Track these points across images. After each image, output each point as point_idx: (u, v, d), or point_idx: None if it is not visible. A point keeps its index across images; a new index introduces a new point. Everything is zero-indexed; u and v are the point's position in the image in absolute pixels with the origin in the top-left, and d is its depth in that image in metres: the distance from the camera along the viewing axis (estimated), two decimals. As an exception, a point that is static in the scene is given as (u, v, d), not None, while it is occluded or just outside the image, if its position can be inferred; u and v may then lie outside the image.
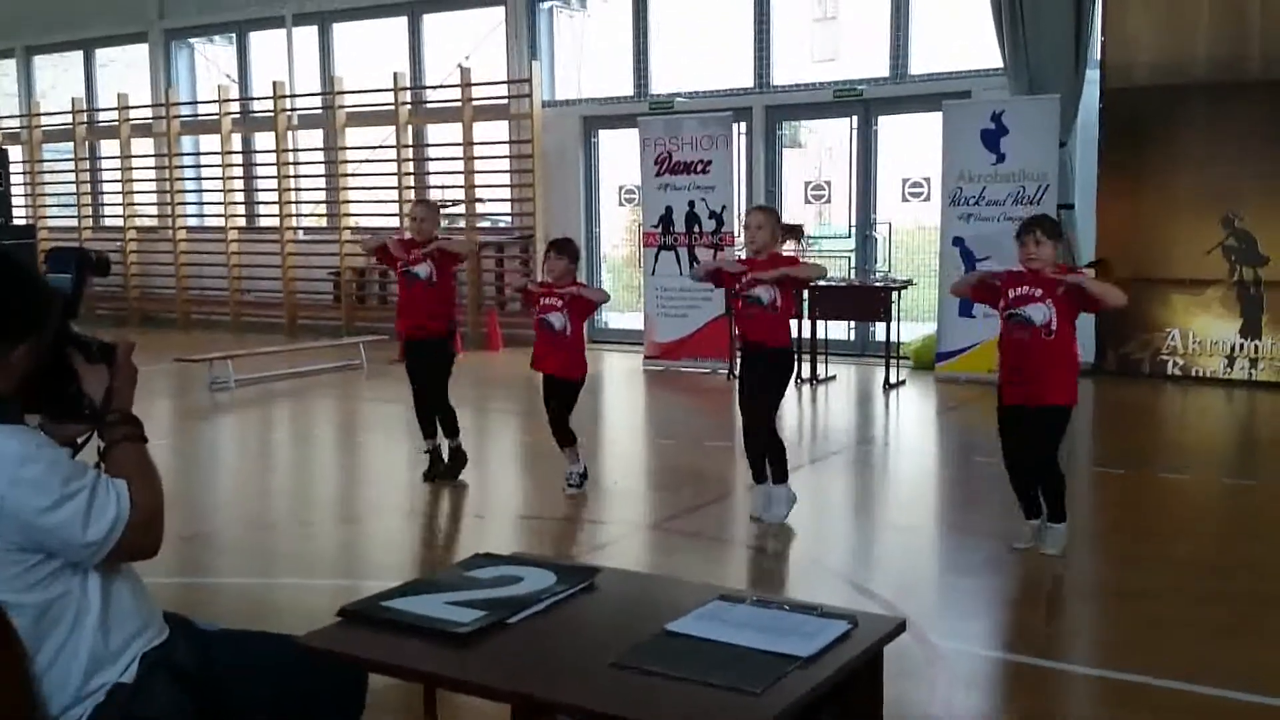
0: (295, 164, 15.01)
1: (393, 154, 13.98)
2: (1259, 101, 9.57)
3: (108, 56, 17.08)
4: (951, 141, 10.23)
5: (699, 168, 11.22)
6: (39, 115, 17.06)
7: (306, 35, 14.99)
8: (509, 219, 13.91)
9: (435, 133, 14.44)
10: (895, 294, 10.08)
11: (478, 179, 13.58)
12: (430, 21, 14.26)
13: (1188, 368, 9.99)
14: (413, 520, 6.24)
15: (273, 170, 14.94)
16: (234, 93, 15.52)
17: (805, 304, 10.21)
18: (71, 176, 16.96)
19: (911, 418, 9.41)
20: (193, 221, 16.35)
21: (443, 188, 13.86)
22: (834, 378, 10.52)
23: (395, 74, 13.83)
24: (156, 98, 16.01)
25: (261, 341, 13.15)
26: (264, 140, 15.33)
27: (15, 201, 16.52)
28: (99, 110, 16.83)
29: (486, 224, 13.98)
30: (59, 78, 17.61)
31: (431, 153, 14.47)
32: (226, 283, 15.32)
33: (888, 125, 11.65)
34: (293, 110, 14.86)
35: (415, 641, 2.42)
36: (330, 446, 8.57)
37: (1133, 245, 9.97)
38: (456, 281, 7.13)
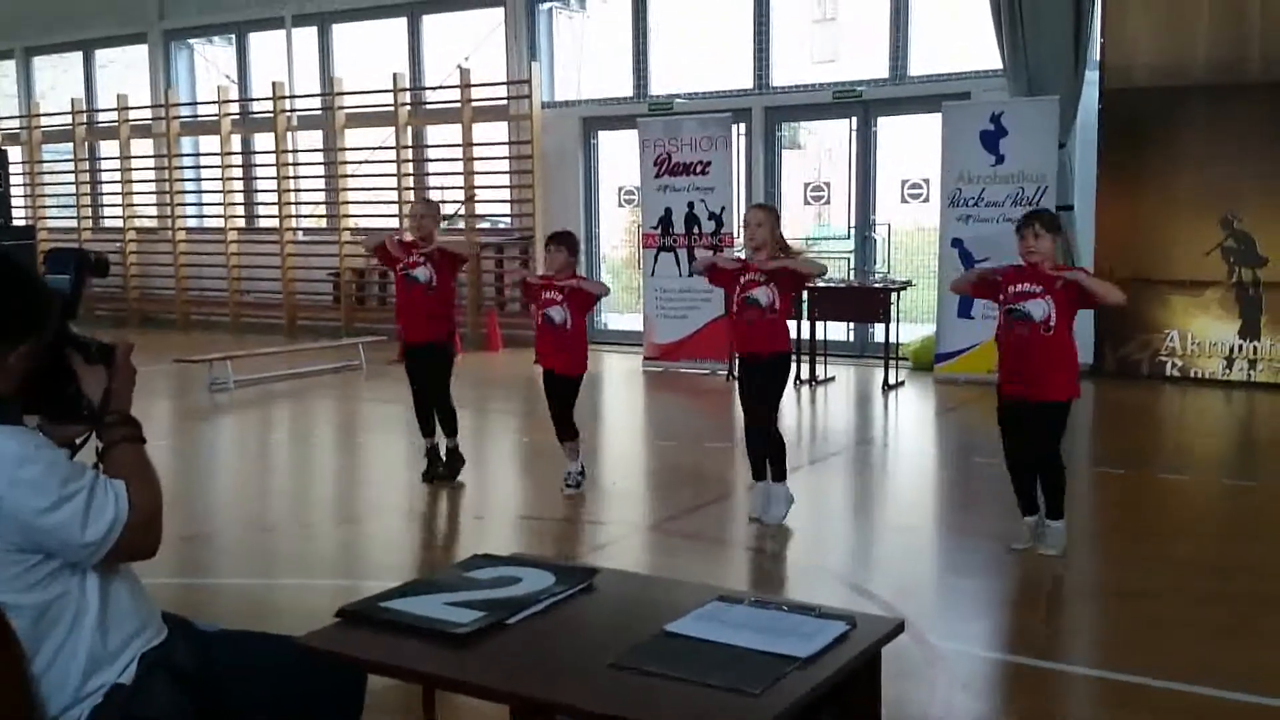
0: (295, 165, 15.02)
1: (392, 155, 13.98)
2: (1258, 103, 9.57)
3: (107, 57, 17.08)
4: (951, 143, 10.23)
5: (698, 169, 11.22)
6: (39, 116, 17.06)
7: (306, 36, 14.99)
8: (508, 220, 13.91)
9: (435, 134, 14.44)
10: (894, 295, 10.08)
11: (477, 180, 13.58)
12: (430, 22, 14.26)
13: (1187, 369, 9.99)
14: (412, 521, 6.24)
15: (272, 171, 14.95)
16: (233, 94, 15.52)
17: (804, 305, 10.22)
18: (71, 177, 16.97)
19: (910, 419, 9.41)
20: (192, 222, 16.36)
21: (442, 189, 13.85)
22: (833, 379, 10.52)
23: (395, 75, 13.83)
24: (156, 98, 16.02)
25: (261, 342, 13.15)
26: (263, 141, 15.33)
27: (15, 202, 16.54)
28: (98, 111, 16.84)
29: (486, 225, 13.98)
30: (59, 78, 17.61)
31: (431, 154, 14.47)
32: (226, 284, 15.32)
33: (887, 126, 11.66)
34: (292, 111, 14.87)
35: (414, 642, 2.43)
36: (329, 447, 8.57)
37: (1132, 246, 9.98)
38: (456, 284, 7.10)
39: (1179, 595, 4.79)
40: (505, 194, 13.76)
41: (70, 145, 16.73)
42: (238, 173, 15.68)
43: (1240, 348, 9.80)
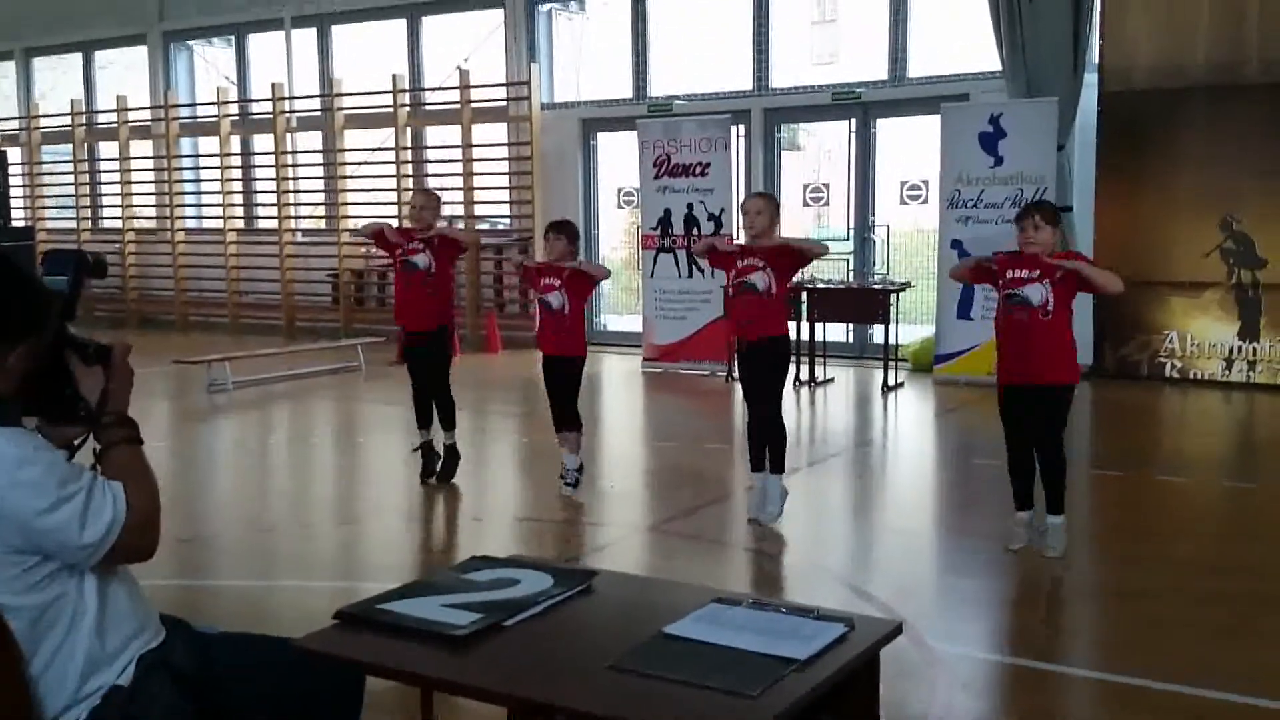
0: (294, 166, 15.02)
1: (391, 156, 13.98)
2: (1257, 104, 9.57)
3: (107, 58, 17.08)
4: (950, 144, 10.23)
5: (698, 170, 11.22)
6: (38, 117, 17.06)
7: (305, 37, 14.99)
8: (508, 221, 13.91)
9: (434, 135, 14.45)
10: (893, 296, 10.09)
11: (476, 181, 13.59)
12: (429, 24, 14.27)
13: (1186, 370, 9.99)
14: (410, 522, 6.24)
15: (271, 172, 14.95)
16: (233, 95, 15.52)
17: (804, 306, 10.22)
18: (70, 178, 16.97)
19: (910, 420, 9.41)
20: (191, 223, 16.36)
21: (441, 189, 13.85)
22: (832, 380, 10.52)
23: (394, 76, 13.84)
24: (155, 100, 16.02)
25: (260, 343, 13.15)
26: (263, 142, 15.33)
27: (14, 203, 16.54)
28: (98, 112, 16.84)
29: (485, 226, 13.98)
30: (58, 79, 17.61)
31: (430, 155, 14.48)
32: (225, 285, 15.32)
33: (886, 128, 11.66)
34: (291, 112, 14.87)
35: (412, 644, 2.42)
36: (328, 448, 8.56)
37: (1131, 248, 9.97)
38: (455, 272, 7.05)
39: (1179, 596, 4.79)
40: (504, 195, 13.76)
41: (69, 146, 16.73)
42: (237, 174, 15.69)
43: (1239, 349, 9.80)
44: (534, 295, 6.32)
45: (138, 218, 16.50)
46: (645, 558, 5.58)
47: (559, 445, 6.45)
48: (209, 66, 16.30)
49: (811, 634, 2.38)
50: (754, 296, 5.63)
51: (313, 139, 15.03)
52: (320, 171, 14.97)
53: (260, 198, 15.73)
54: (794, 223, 11.89)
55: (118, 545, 2.10)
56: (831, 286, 10.58)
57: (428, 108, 14.28)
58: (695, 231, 11.24)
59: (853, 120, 11.65)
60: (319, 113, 14.68)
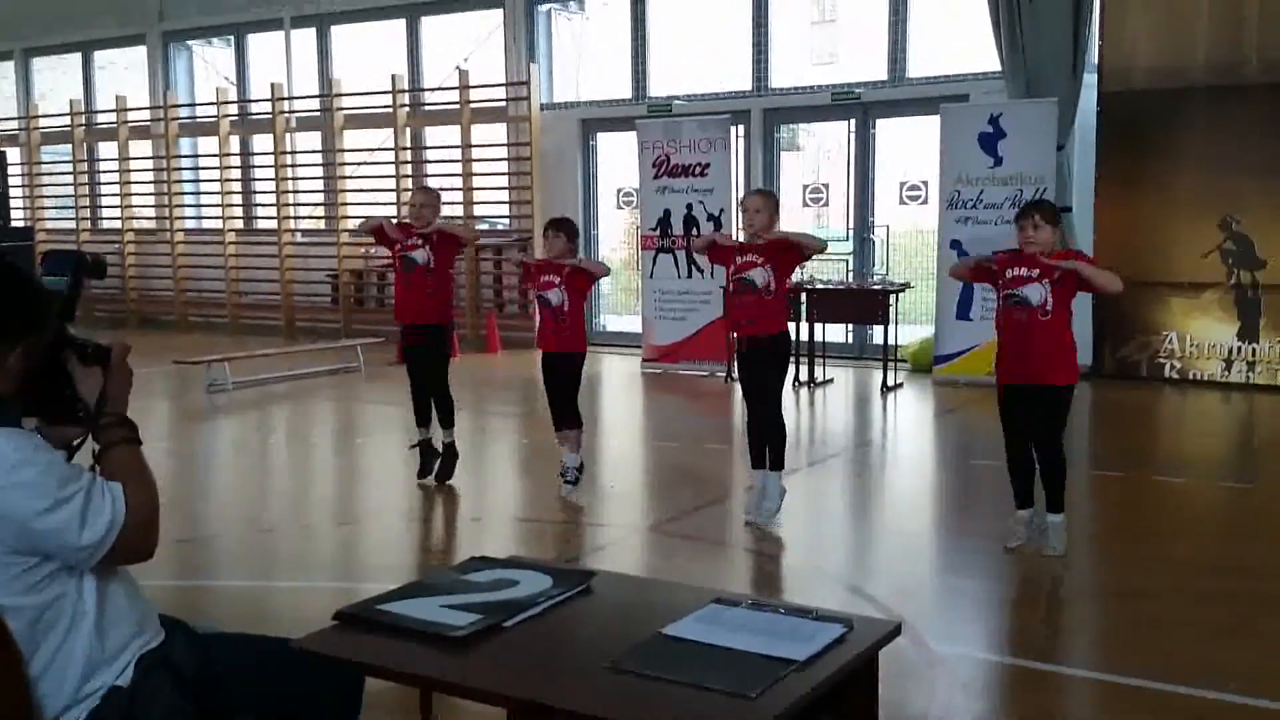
0: (293, 166, 15.01)
1: (391, 156, 13.98)
2: (1257, 104, 9.58)
3: (106, 58, 17.08)
4: (949, 144, 10.23)
5: (697, 170, 11.22)
6: (37, 117, 17.06)
7: (305, 37, 14.99)
8: (507, 221, 13.91)
9: (433, 135, 14.45)
10: (893, 297, 10.09)
11: (476, 181, 13.59)
12: (428, 24, 14.27)
13: (1185, 371, 9.99)
14: (410, 523, 6.24)
15: (271, 172, 14.95)
16: (232, 95, 15.52)
17: (803, 306, 10.22)
18: (70, 178, 16.96)
19: (909, 420, 9.41)
20: (191, 224, 16.35)
21: (440, 190, 13.84)
22: (832, 380, 10.52)
23: (393, 76, 13.83)
24: (155, 100, 16.02)
25: (259, 344, 13.14)
26: (262, 142, 15.33)
27: (13, 203, 16.54)
28: (97, 112, 16.84)
29: (485, 226, 13.98)
30: (57, 80, 17.61)
31: (429, 155, 14.48)
32: (224, 285, 15.33)
33: (886, 128, 11.66)
34: (291, 112, 14.87)
35: (411, 645, 2.42)
36: (328, 449, 8.56)
37: (1131, 248, 9.98)
38: (455, 271, 7.05)
39: (1178, 596, 4.79)
40: (504, 195, 13.76)
41: (69, 146, 16.73)
42: (236, 174, 15.69)
43: (1239, 349, 9.80)
44: (533, 293, 6.32)
45: (137, 218, 16.50)
46: (644, 558, 5.58)
47: (559, 444, 6.45)
48: (208, 67, 16.31)
49: (810, 634, 2.39)
50: (753, 295, 5.63)
51: (312, 139, 15.03)
52: (320, 172, 14.96)
53: (260, 198, 15.73)
54: (793, 223, 11.88)
55: (117, 546, 2.10)
56: (831, 287, 10.58)
57: (427, 108, 14.28)
58: (695, 232, 11.23)
59: (852, 120, 11.65)
60: (318, 113, 14.68)
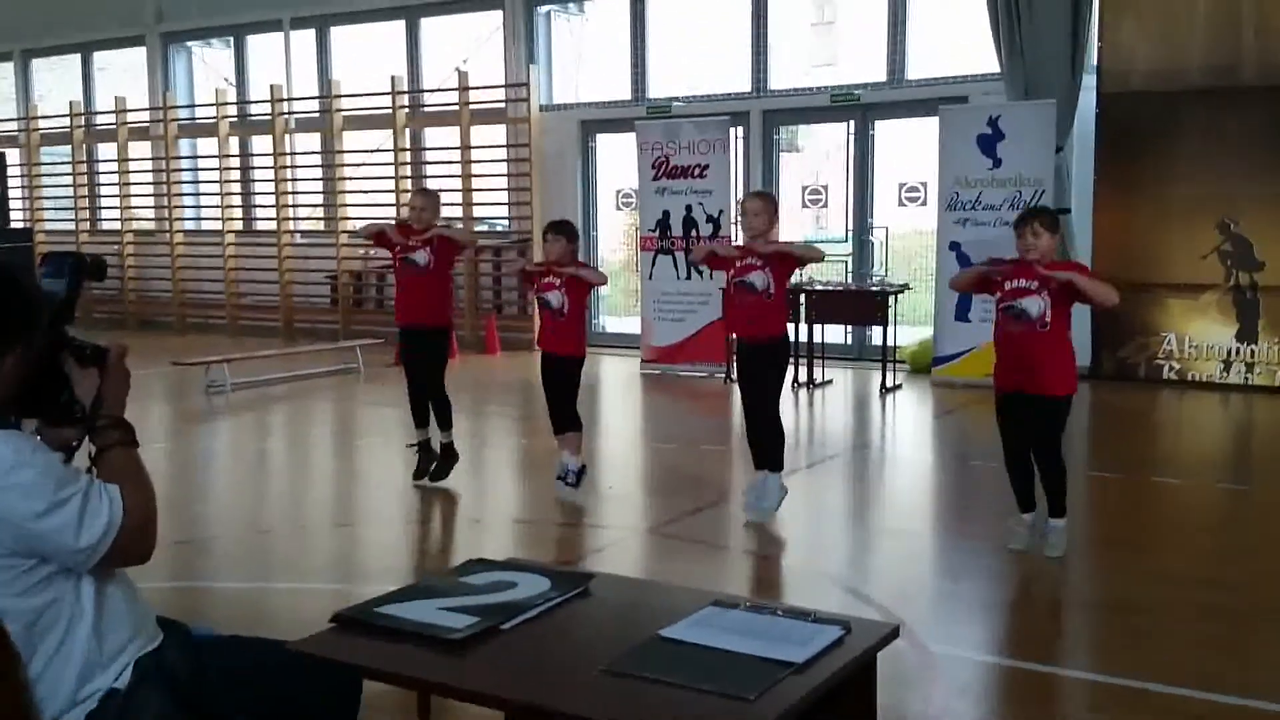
0: (292, 167, 15.01)
1: (390, 158, 13.98)
2: (1255, 106, 9.59)
3: (105, 60, 17.07)
4: (948, 146, 10.23)
5: (696, 172, 11.22)
6: (37, 118, 17.06)
7: (304, 39, 14.99)
8: (506, 223, 13.91)
9: (432, 136, 14.45)
10: (892, 298, 10.09)
11: (475, 183, 13.59)
12: (428, 25, 14.27)
13: (1184, 372, 9.99)
14: (408, 524, 6.24)
15: (270, 174, 14.95)
16: (231, 96, 15.52)
17: (802, 307, 10.22)
18: (69, 180, 16.96)
19: (908, 422, 9.42)
20: (190, 225, 16.35)
21: (440, 191, 13.84)
22: (830, 382, 10.52)
23: (393, 78, 13.84)
24: (154, 101, 16.01)
25: (258, 345, 13.14)
26: (261, 144, 15.33)
27: (13, 204, 16.54)
28: (97, 113, 16.84)
29: (484, 227, 13.98)
30: (57, 81, 17.61)
31: (429, 156, 14.47)
32: (223, 286, 15.32)
33: (884, 130, 11.66)
34: (290, 114, 14.87)
35: (409, 647, 2.42)
36: (326, 450, 8.56)
37: (1129, 250, 9.99)
38: (453, 273, 7.10)
39: (1177, 599, 4.79)
40: (503, 197, 13.76)
41: (68, 148, 16.72)
42: (235, 175, 15.69)
43: (1237, 351, 9.81)
44: (532, 295, 6.36)
45: (136, 219, 16.50)
46: (643, 560, 5.58)
47: (559, 448, 6.45)
48: (208, 68, 16.30)
49: (808, 637, 2.39)
50: (753, 296, 5.65)
51: (311, 140, 15.03)
52: (319, 173, 14.96)
53: (259, 199, 15.73)
54: (793, 224, 11.90)
55: (114, 548, 2.10)
56: (830, 288, 10.59)
57: (426, 109, 14.28)
58: (694, 233, 11.24)
59: (851, 122, 11.65)
60: (318, 114, 14.68)
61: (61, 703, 2.12)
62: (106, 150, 16.76)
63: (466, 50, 13.71)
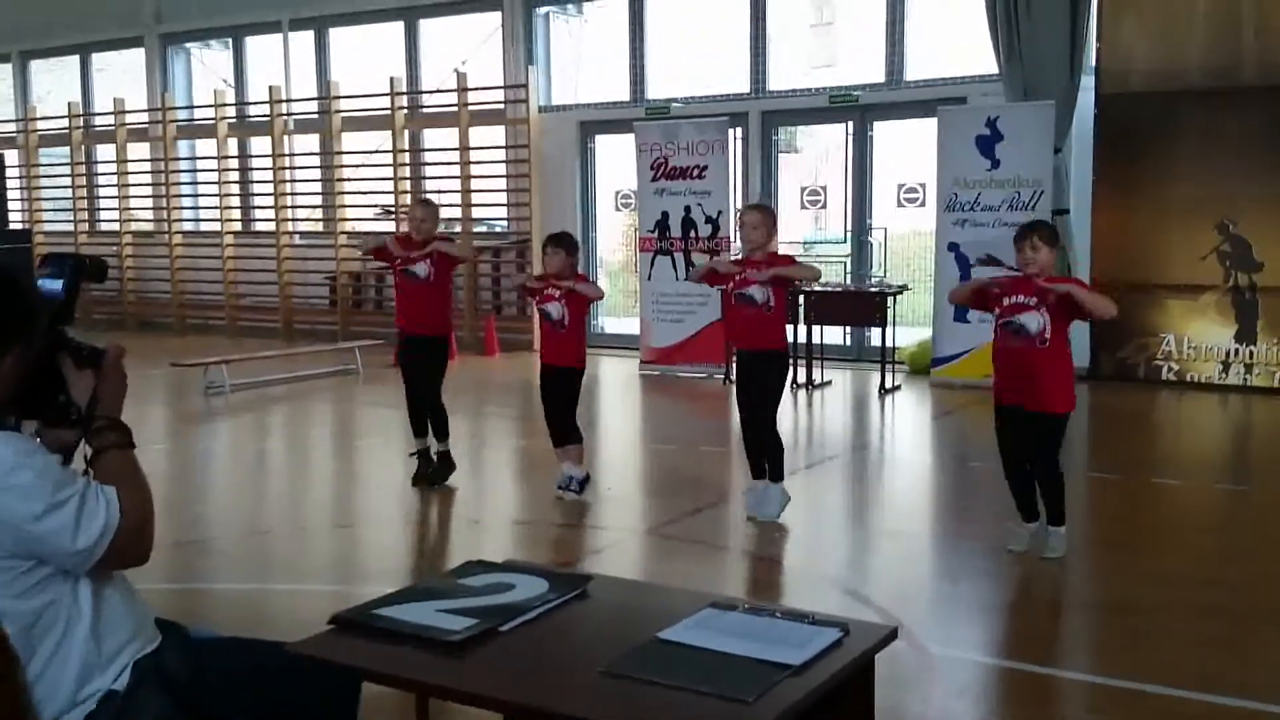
0: (291, 169, 15.01)
1: (389, 159, 13.98)
2: (1253, 107, 9.59)
3: (104, 61, 17.07)
4: (947, 147, 10.23)
5: (695, 173, 11.22)
6: (35, 120, 17.06)
7: (303, 40, 14.99)
8: (505, 224, 13.92)
9: (431, 138, 14.45)
10: (890, 299, 10.09)
11: (474, 184, 13.59)
12: (427, 26, 14.27)
13: (1183, 373, 10.00)
14: (407, 526, 6.24)
15: (269, 175, 14.95)
16: (230, 97, 15.52)
17: (801, 309, 10.22)
18: (68, 181, 16.96)
19: (907, 423, 9.42)
20: (189, 226, 16.34)
21: (438, 193, 13.86)
22: (829, 383, 10.52)
23: (391, 79, 13.84)
24: (153, 102, 16.01)
25: (257, 346, 13.13)
26: (260, 145, 15.33)
27: (12, 206, 16.52)
28: (95, 115, 16.84)
29: (483, 229, 13.98)
30: (55, 82, 17.61)
31: (428, 158, 14.48)
32: (222, 287, 15.33)
33: (883, 131, 11.66)
34: (289, 115, 14.87)
35: (407, 649, 2.43)
36: (325, 451, 8.56)
37: (1128, 251, 9.99)
38: (453, 285, 7.15)
39: (1176, 600, 4.79)
40: (502, 198, 13.76)
41: (67, 149, 16.72)
42: (234, 176, 15.69)
43: (1236, 352, 9.81)
44: (534, 305, 6.42)
45: (135, 220, 16.50)
46: (642, 562, 5.58)
47: (559, 460, 6.44)
48: (206, 69, 16.30)
49: (807, 639, 2.39)
50: (752, 309, 5.69)
51: (310, 141, 15.03)
52: (318, 174, 14.96)
53: (258, 200, 15.73)
54: (791, 226, 11.90)
55: (112, 550, 2.10)
56: (829, 289, 10.58)
57: (425, 110, 14.28)
58: (693, 234, 11.23)
59: (850, 123, 11.65)
60: (316, 115, 14.68)
61: (60, 704, 2.12)
62: (105, 151, 16.75)
63: (465, 51, 13.71)
